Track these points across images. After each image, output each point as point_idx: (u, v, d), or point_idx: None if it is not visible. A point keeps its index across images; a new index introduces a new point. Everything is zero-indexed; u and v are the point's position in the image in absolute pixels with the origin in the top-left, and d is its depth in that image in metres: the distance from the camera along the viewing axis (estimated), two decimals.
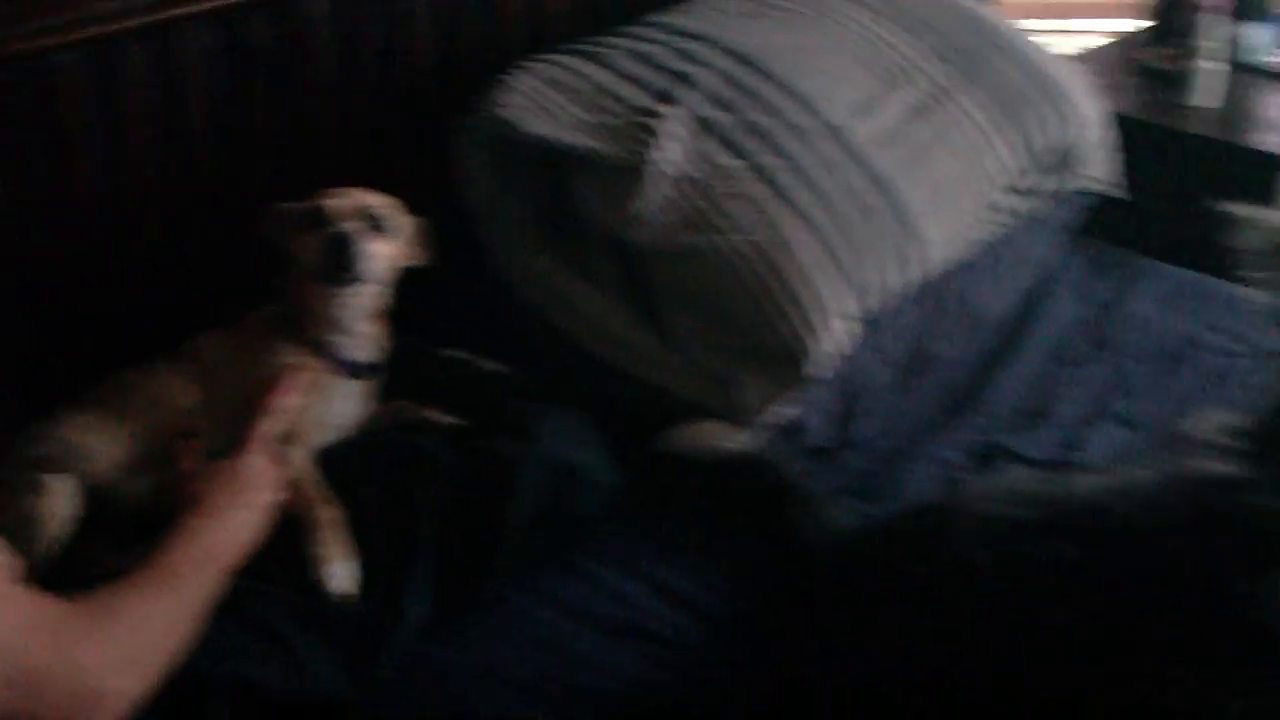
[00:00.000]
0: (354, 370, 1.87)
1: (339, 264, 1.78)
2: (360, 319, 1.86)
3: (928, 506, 1.82)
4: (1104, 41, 3.38)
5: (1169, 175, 2.88)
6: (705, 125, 2.05)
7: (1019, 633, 1.41)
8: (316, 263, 1.80)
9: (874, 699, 1.54)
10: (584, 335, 2.14)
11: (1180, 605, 1.31)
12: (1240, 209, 1.45)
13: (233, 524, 1.61)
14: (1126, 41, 3.31)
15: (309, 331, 1.84)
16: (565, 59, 2.09)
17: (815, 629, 1.67)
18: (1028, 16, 3.56)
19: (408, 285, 1.96)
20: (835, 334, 2.05)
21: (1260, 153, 2.81)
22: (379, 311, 1.89)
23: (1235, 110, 2.95)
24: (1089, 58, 3.26)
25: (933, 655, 1.48)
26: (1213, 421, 1.40)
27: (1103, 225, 2.74)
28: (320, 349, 1.84)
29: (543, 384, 2.02)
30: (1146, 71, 3.09)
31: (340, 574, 1.68)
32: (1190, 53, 2.91)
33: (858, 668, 1.57)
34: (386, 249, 1.84)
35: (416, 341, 2.05)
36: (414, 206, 1.93)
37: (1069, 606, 1.37)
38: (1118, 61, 3.19)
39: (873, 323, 2.18)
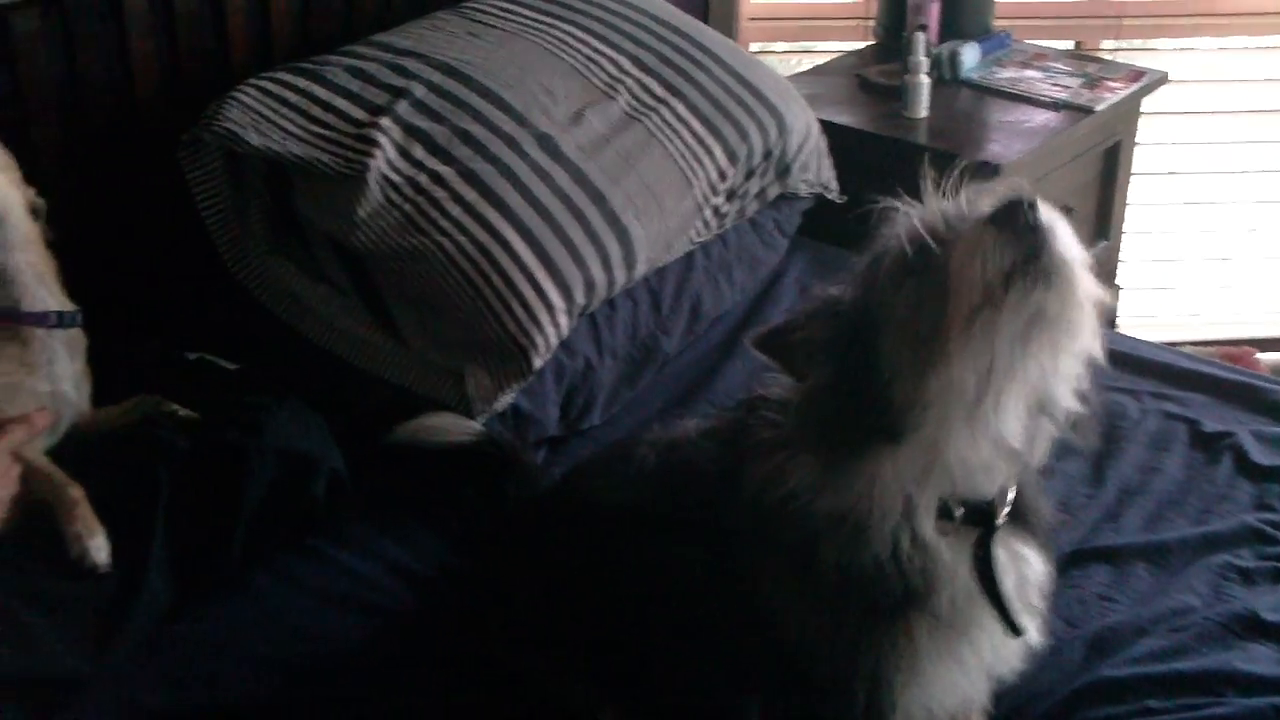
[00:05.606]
0: (60, 320, 1.87)
1: None
2: (23, 265, 1.83)
3: (618, 440, 2.00)
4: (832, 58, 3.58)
5: (893, 181, 3.06)
6: (416, 134, 2.17)
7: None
8: None
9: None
10: (320, 335, 2.25)
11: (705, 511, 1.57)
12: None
13: None
14: (852, 59, 3.52)
15: None
16: (288, 76, 2.20)
17: (514, 579, 1.83)
18: (770, 39, 3.79)
19: (155, 293, 2.03)
20: (556, 328, 2.18)
21: (978, 162, 3.02)
22: (37, 250, 1.87)
23: (953, 121, 3.17)
24: (819, 73, 3.46)
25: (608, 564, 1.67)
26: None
27: (826, 228, 2.93)
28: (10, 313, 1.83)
29: (278, 381, 2.13)
30: (868, 86, 3.31)
31: (101, 547, 1.76)
32: (906, 69, 3.13)
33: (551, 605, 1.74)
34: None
35: (160, 344, 2.15)
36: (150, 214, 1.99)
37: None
38: (844, 76, 3.40)
39: (594, 318, 2.33)
